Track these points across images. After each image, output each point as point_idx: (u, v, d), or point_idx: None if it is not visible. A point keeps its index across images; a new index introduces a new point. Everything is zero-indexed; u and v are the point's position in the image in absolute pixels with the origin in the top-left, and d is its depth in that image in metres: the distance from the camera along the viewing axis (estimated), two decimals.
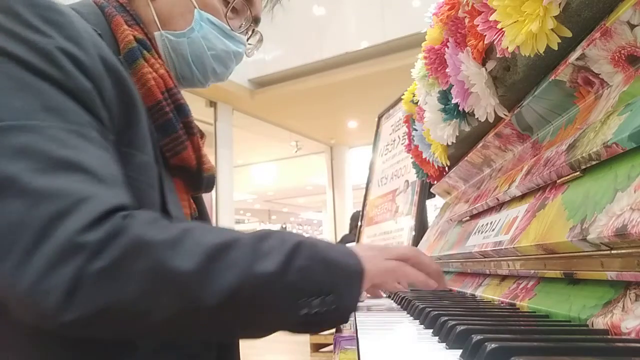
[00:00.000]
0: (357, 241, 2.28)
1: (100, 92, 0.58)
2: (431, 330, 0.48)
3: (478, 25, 0.63)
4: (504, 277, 0.69)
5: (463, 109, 0.80)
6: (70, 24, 0.58)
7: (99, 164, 0.54)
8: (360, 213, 2.38)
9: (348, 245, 0.63)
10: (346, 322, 0.57)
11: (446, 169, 1.13)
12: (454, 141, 0.91)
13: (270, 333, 0.57)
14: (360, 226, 2.32)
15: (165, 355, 0.62)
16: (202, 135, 0.85)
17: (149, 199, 0.64)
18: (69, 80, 0.55)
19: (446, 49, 0.80)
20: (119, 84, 0.62)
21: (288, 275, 0.54)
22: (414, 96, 1.26)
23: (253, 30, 0.88)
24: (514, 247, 0.58)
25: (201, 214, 0.83)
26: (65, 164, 0.51)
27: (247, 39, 0.87)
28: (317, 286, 0.55)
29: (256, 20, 0.87)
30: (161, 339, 0.58)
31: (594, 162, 0.47)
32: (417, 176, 1.45)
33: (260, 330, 0.57)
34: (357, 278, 0.58)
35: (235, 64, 0.84)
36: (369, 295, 0.87)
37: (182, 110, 0.73)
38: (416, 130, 1.19)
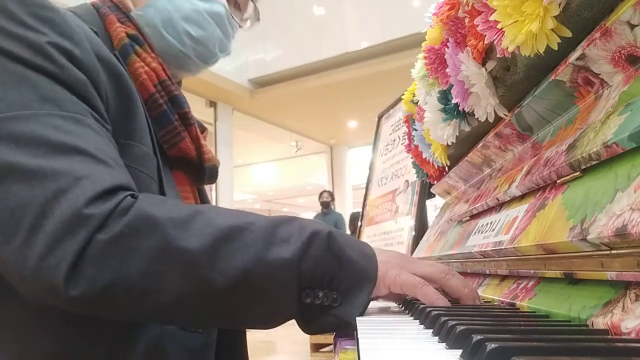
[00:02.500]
0: None
1: (95, 84, 0.59)
2: (431, 330, 0.48)
3: (478, 25, 0.63)
4: (504, 277, 0.69)
5: (463, 109, 0.80)
6: (63, 20, 0.59)
7: (97, 147, 0.54)
8: (360, 213, 2.38)
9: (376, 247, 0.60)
10: (343, 330, 0.55)
11: (446, 169, 1.13)
12: (454, 141, 0.91)
13: (272, 319, 0.56)
14: (360, 226, 2.32)
15: (167, 347, 0.62)
16: (204, 129, 0.85)
17: (149, 190, 0.64)
18: (63, 72, 0.56)
19: (446, 49, 0.80)
20: (114, 78, 0.63)
21: (302, 263, 0.53)
22: (414, 96, 1.26)
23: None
24: (514, 247, 0.58)
25: None
26: (63, 147, 0.51)
27: (235, 5, 0.84)
28: (326, 279, 0.54)
29: None
30: (167, 321, 0.57)
31: (594, 162, 0.47)
32: (417, 176, 1.45)
33: (263, 315, 0.56)
34: (367, 284, 0.56)
35: (218, 27, 0.80)
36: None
37: (176, 101, 0.73)
38: (416, 130, 1.19)
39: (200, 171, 0.77)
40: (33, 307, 0.54)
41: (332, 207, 6.81)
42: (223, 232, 0.52)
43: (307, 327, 0.56)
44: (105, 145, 0.56)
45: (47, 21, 0.57)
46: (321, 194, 6.95)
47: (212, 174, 0.78)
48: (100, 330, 0.57)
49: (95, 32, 0.66)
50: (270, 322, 0.57)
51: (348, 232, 5.76)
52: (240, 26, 0.86)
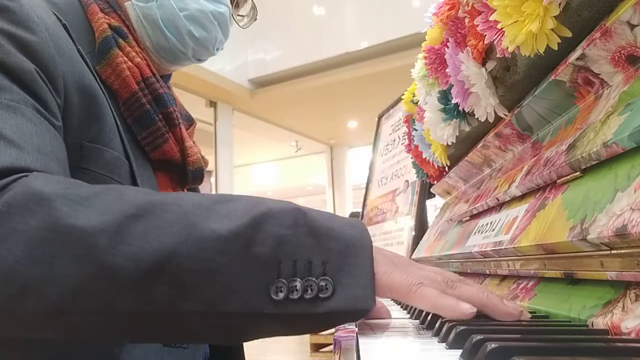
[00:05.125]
0: None
1: (50, 75, 0.55)
2: (431, 331, 0.48)
3: (478, 25, 0.63)
4: (504, 277, 0.69)
5: (463, 109, 0.80)
6: (20, 8, 0.55)
7: (19, 133, 0.48)
8: (360, 213, 2.38)
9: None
10: (357, 319, 0.43)
11: (446, 169, 1.13)
12: (454, 141, 0.91)
13: (233, 329, 0.41)
14: None
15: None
16: (192, 123, 0.82)
17: None
18: (9, 58, 0.52)
19: (446, 49, 0.80)
20: (76, 74, 0.59)
21: (253, 243, 0.39)
22: (414, 96, 1.26)
23: None
24: (514, 247, 0.58)
25: None
26: None
27: (234, 4, 0.81)
28: (301, 261, 0.40)
29: None
30: (67, 328, 0.42)
31: (594, 162, 0.47)
32: (417, 176, 1.45)
33: (214, 319, 0.40)
34: (364, 253, 0.42)
35: (220, 28, 0.77)
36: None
37: (161, 100, 0.69)
38: (416, 130, 1.19)
39: (183, 173, 0.73)
40: None
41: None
42: (137, 207, 0.40)
43: (293, 330, 0.43)
44: (34, 133, 0.49)
45: (1, 9, 0.54)
46: None
47: (196, 177, 0.74)
48: (75, 354, 0.52)
49: (65, 26, 0.61)
50: (224, 330, 0.42)
51: None
52: (239, 25, 0.83)
